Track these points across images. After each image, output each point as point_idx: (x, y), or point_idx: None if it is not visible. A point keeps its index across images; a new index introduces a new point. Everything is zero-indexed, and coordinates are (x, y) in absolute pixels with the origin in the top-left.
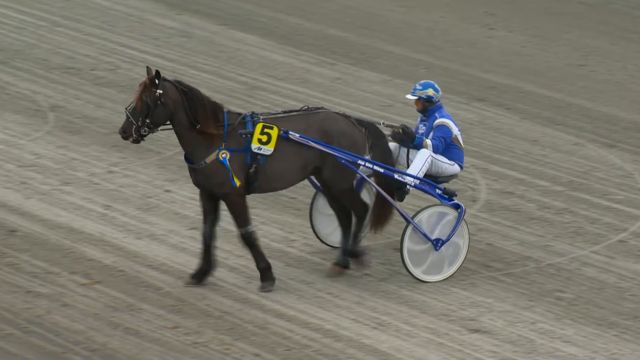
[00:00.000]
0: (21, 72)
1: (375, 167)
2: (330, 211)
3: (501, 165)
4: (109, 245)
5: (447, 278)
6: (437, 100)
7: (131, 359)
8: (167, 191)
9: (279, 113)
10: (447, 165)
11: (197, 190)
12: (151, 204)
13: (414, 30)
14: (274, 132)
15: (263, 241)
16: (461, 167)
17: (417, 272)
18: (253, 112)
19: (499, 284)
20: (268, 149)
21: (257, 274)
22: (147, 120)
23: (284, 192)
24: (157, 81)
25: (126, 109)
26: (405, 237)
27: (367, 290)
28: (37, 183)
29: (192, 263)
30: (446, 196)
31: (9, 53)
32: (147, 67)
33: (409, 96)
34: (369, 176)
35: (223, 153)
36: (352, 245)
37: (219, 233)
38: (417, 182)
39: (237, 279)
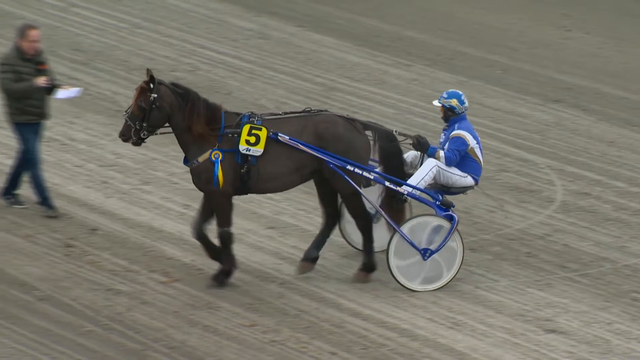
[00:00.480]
0: (102, 73)
1: (365, 174)
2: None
3: (577, 166)
4: (188, 244)
5: (449, 282)
6: (459, 111)
7: (209, 356)
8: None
9: (280, 114)
10: (458, 177)
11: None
12: None
13: (490, 31)
14: (263, 134)
15: (341, 241)
16: (476, 181)
17: (414, 285)
18: (252, 112)
19: (575, 285)
20: (257, 150)
21: (334, 273)
22: (144, 124)
23: None
24: (151, 85)
25: (124, 112)
26: (391, 246)
27: (442, 289)
28: (117, 182)
29: (270, 262)
30: (443, 207)
31: (91, 54)
32: (147, 69)
33: (435, 102)
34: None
35: (216, 153)
36: (315, 249)
37: (295, 234)
38: (411, 190)
39: (314, 278)
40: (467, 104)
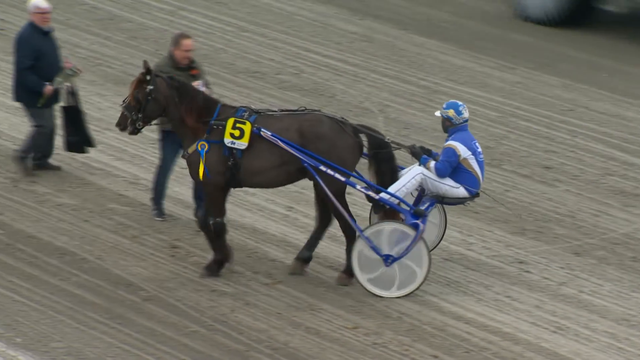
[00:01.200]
0: (208, 76)
1: (337, 175)
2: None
3: None
4: (291, 246)
5: (405, 295)
6: (456, 122)
7: (312, 358)
8: (348, 193)
9: (275, 110)
10: (448, 187)
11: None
12: None
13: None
14: (247, 128)
15: (442, 244)
16: (471, 192)
17: (362, 277)
18: (247, 107)
19: None
20: (242, 144)
21: (435, 276)
22: (140, 115)
23: None
24: (148, 77)
25: (121, 104)
26: (354, 260)
27: (546, 294)
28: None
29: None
30: (415, 215)
31: (197, 57)
32: (144, 61)
33: (437, 113)
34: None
35: (202, 144)
36: (307, 250)
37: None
38: (388, 197)
39: None
40: (465, 115)
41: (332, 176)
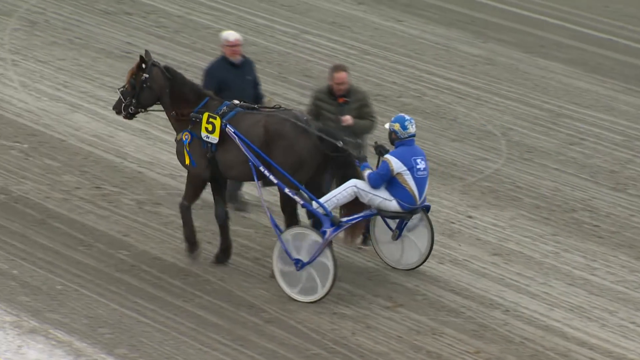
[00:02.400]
0: None
1: (271, 177)
2: (388, 237)
3: None
4: (412, 269)
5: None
6: (402, 136)
7: None
8: (470, 217)
9: (254, 107)
10: (381, 200)
11: (499, 216)
12: (454, 229)
13: None
14: (217, 123)
15: (565, 268)
16: (403, 207)
17: (276, 266)
18: (232, 102)
19: None
20: (214, 138)
21: (559, 301)
22: (134, 101)
23: (586, 219)
24: (144, 66)
25: (118, 89)
26: (275, 250)
27: None
28: None
29: (494, 289)
30: (332, 223)
31: (320, 80)
32: (145, 50)
33: (386, 126)
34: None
35: (186, 135)
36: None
37: (520, 261)
38: (314, 203)
39: (539, 305)
40: (410, 129)
41: (268, 177)
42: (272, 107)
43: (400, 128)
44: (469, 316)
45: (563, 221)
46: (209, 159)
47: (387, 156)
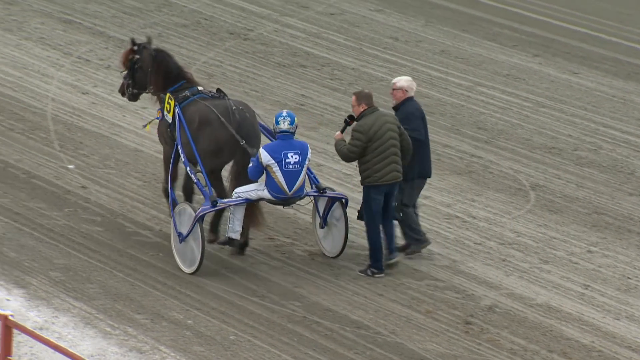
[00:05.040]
0: (504, 152)
1: (182, 156)
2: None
3: None
4: (587, 325)
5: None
6: (275, 130)
7: None
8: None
9: (211, 93)
10: (255, 190)
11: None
12: (630, 284)
13: None
14: (172, 104)
15: None
16: (273, 196)
17: (174, 247)
18: (199, 89)
19: None
20: (169, 117)
21: None
22: (131, 81)
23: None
24: (135, 48)
25: (121, 72)
26: (172, 229)
27: None
28: (517, 261)
29: None
30: (210, 201)
31: (493, 132)
32: (147, 36)
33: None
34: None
35: (159, 113)
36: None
37: None
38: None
39: None
40: (282, 126)
41: (181, 155)
42: (217, 93)
43: (274, 123)
44: None
45: None
46: (169, 137)
47: (260, 149)
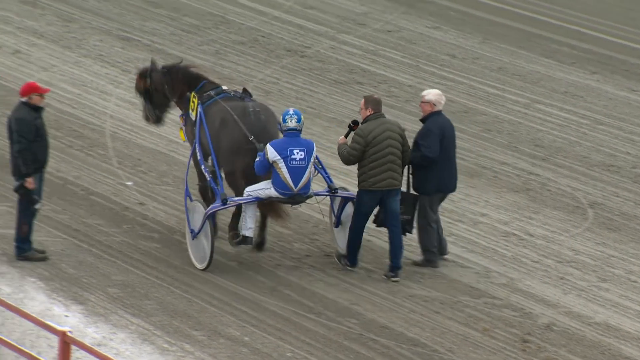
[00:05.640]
0: (562, 169)
1: (198, 153)
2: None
3: None
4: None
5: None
6: (282, 128)
7: None
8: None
9: (234, 92)
10: (262, 189)
11: None
12: None
13: None
14: (195, 102)
15: None
16: (279, 193)
17: (188, 242)
18: (222, 87)
19: None
20: (193, 116)
21: None
22: (151, 105)
23: None
24: (142, 74)
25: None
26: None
27: None
28: (575, 279)
29: None
30: (221, 199)
31: (551, 150)
32: (151, 59)
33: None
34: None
35: (182, 121)
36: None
37: None
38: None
39: None
40: (289, 124)
41: (198, 153)
42: (241, 93)
43: (281, 121)
44: None
45: None
46: (195, 134)
47: (267, 145)
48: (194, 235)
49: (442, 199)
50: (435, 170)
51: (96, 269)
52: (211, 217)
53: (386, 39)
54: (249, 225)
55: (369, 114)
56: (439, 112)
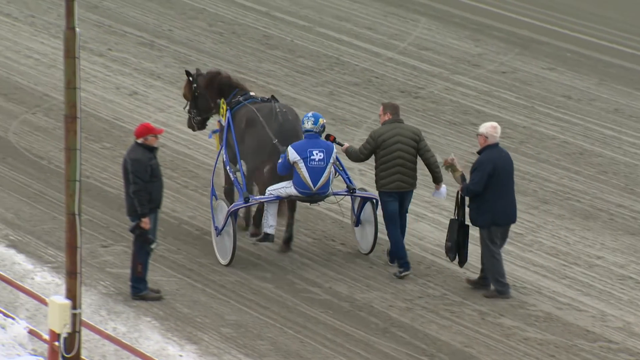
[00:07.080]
0: None
1: (224, 155)
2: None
3: None
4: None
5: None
6: (308, 129)
7: None
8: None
9: (261, 97)
10: (284, 187)
11: None
12: None
13: None
14: (224, 107)
15: None
16: (299, 192)
17: (214, 240)
18: (250, 93)
19: None
20: (223, 121)
21: None
22: (195, 110)
23: None
24: (191, 79)
25: (184, 107)
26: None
27: None
28: None
29: None
30: (244, 198)
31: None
32: (196, 69)
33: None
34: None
35: (218, 125)
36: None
37: None
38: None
39: None
40: (306, 125)
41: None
42: (268, 99)
43: (312, 125)
44: None
45: None
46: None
47: (289, 147)
48: (218, 232)
49: (504, 232)
50: (488, 203)
51: (210, 308)
52: (233, 215)
53: (500, 80)
54: (270, 223)
55: (386, 118)
56: (494, 145)
